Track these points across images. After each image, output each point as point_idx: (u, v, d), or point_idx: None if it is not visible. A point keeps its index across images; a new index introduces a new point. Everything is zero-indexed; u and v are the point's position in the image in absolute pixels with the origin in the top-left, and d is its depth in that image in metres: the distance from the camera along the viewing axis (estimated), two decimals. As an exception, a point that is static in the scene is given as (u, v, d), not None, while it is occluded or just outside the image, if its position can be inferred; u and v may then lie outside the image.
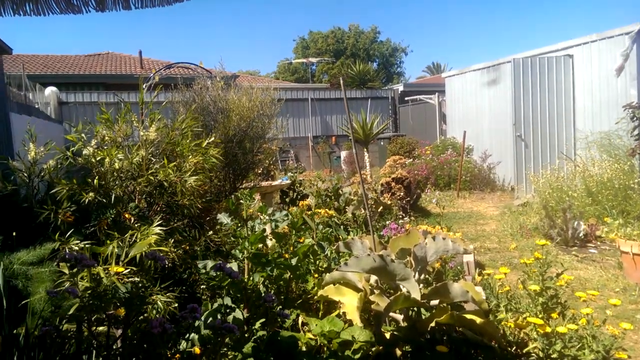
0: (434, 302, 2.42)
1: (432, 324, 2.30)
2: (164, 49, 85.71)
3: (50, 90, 14.27)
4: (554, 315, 2.48)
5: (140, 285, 2.82)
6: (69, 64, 18.90)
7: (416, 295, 2.27)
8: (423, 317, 2.56)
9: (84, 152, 2.80)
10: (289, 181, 6.48)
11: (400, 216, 7.00)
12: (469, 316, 2.22)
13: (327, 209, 6.01)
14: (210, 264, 2.70)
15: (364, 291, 2.55)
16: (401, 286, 2.38)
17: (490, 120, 9.79)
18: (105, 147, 3.06)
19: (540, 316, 2.63)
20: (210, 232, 3.11)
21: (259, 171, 7.74)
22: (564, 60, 8.19)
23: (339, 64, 30.05)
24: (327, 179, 13.35)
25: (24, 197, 2.87)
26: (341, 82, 2.70)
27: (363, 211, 6.33)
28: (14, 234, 2.70)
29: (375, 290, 2.45)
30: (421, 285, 2.74)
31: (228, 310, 2.60)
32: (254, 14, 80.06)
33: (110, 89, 16.56)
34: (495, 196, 9.12)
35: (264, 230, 2.90)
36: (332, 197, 6.34)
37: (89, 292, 1.99)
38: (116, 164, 2.95)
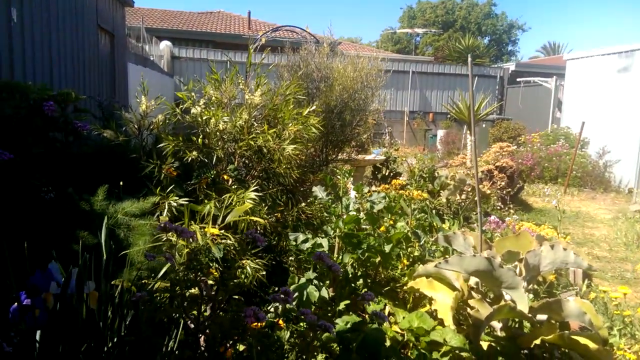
0: (541, 317, 2.16)
1: (537, 341, 2.06)
2: (271, 12, 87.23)
3: (164, 44, 15.07)
4: (686, 354, 2.12)
5: (232, 249, 2.85)
6: (183, 20, 19.81)
7: (523, 307, 2.04)
8: (526, 330, 2.32)
9: (192, 111, 2.83)
10: (382, 157, 6.28)
11: (499, 207, 6.55)
12: (582, 340, 1.95)
13: (420, 191, 5.76)
14: (301, 237, 2.64)
15: (460, 292, 2.35)
16: (505, 294, 2.15)
17: (614, 112, 8.74)
18: (212, 108, 3.08)
19: (666, 351, 2.27)
20: (303, 204, 3.05)
21: (354, 143, 7.62)
22: None
23: (446, 37, 28.58)
24: (421, 157, 12.94)
25: (133, 149, 2.98)
26: (468, 60, 2.44)
27: (458, 197, 5.99)
28: (121, 183, 2.81)
29: (474, 294, 2.24)
30: (530, 296, 2.49)
31: (315, 289, 2.54)
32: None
33: (219, 47, 17.13)
34: (609, 197, 8.23)
35: (359, 209, 2.78)
36: (427, 179, 6.05)
37: (187, 252, 2.01)
38: (220, 125, 2.96)
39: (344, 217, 2.49)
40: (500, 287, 2.09)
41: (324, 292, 2.55)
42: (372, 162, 6.22)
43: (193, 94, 2.86)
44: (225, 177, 3.04)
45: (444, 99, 16.94)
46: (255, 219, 2.31)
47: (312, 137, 3.09)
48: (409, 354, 2.20)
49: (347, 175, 2.61)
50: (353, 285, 2.73)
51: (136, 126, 3.06)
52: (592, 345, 1.95)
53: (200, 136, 2.90)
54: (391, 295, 2.77)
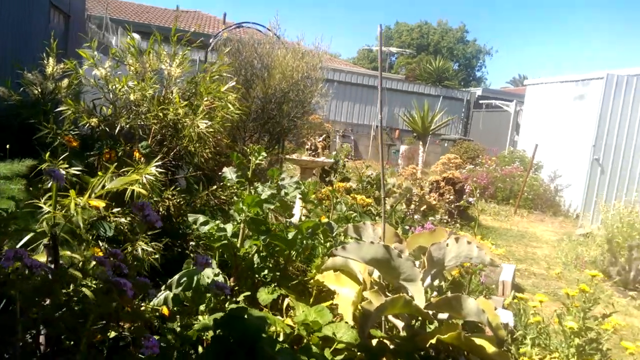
0: (443, 315, 2.00)
1: (433, 341, 1.89)
2: (251, 18, 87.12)
3: (133, 36, 14.66)
4: (590, 363, 1.99)
5: (126, 229, 2.60)
6: (157, 15, 19.46)
7: (420, 301, 1.87)
8: (428, 330, 2.15)
9: (93, 72, 2.59)
10: (332, 160, 6.12)
11: (445, 220, 6.48)
12: (478, 341, 1.79)
13: (365, 197, 5.62)
14: (201, 218, 2.42)
15: (363, 285, 2.17)
16: (406, 288, 1.98)
17: (568, 138, 8.88)
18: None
19: (572, 361, 2.14)
20: (215, 187, 2.83)
21: (308, 146, 7.45)
22: (668, 84, 7.19)
23: (419, 59, 29.03)
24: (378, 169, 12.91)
25: (31, 112, 2.71)
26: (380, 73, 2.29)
27: (404, 206, 5.88)
28: (8, 146, 2.54)
29: (374, 286, 2.07)
30: (434, 292, 2.33)
31: (210, 276, 2.31)
32: (343, -3, 79.40)
33: (190, 45, 16.79)
34: (557, 221, 8.30)
35: (273, 195, 2.58)
36: (374, 186, 5.93)
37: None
38: (131, 95, 2.73)
39: (247, 196, 2.28)
40: (399, 279, 1.92)
41: (220, 280, 2.33)
42: (320, 165, 6.05)
43: (97, 53, 2.62)
44: (136, 153, 2.80)
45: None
46: (140, 191, 2.08)
47: (237, 118, 2.89)
48: (297, 349, 2.00)
49: (256, 153, 2.41)
50: (258, 276, 2.52)
51: (39, 89, 2.80)
52: (489, 347, 1.79)
53: (109, 105, 2.67)
54: (299, 290, 2.57)
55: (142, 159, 2.82)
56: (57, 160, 2.54)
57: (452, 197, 6.37)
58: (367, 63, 35.03)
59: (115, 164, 2.83)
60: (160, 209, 2.70)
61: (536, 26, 71.76)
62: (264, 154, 2.51)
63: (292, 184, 2.49)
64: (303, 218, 5.59)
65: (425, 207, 5.87)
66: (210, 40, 8.48)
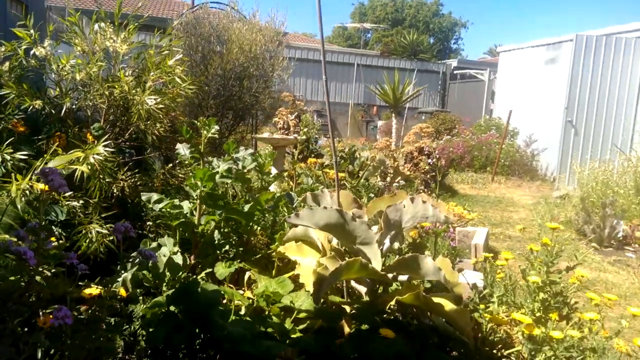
0: (403, 277, 1.97)
1: (392, 303, 1.86)
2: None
3: (97, 26, 14.26)
4: (553, 316, 1.98)
5: (79, 211, 2.50)
6: (126, 2, 18.88)
7: (376, 264, 1.83)
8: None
9: (32, 52, 2.46)
10: (304, 137, 6.04)
11: (422, 190, 6.47)
12: (436, 299, 1.76)
13: (340, 172, 5.57)
14: (155, 196, 2.33)
15: (322, 252, 2.13)
16: (363, 252, 1.93)
17: (541, 102, 8.91)
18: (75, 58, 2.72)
19: (537, 315, 2.13)
20: (170, 165, 2.74)
21: (280, 125, 7.35)
22: (636, 43, 7.21)
23: (394, 33, 28.83)
24: (360, 147, 12.84)
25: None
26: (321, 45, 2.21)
27: (378, 179, 5.85)
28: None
29: (332, 253, 2.02)
30: (396, 256, 2.29)
31: (166, 254, 2.25)
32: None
33: (150, 30, 16.40)
34: (534, 185, 8.37)
35: (230, 169, 2.50)
36: (347, 160, 5.87)
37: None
38: (77, 75, 2.61)
39: (198, 170, 2.20)
40: (355, 244, 1.88)
41: (178, 258, 2.26)
42: (292, 142, 5.95)
43: (33, 31, 2.48)
44: (89, 136, 2.69)
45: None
46: (83, 169, 1.99)
47: (188, 93, 2.78)
48: (254, 321, 1.95)
49: (207, 127, 2.32)
50: (219, 252, 2.46)
51: (-22, 74, 2.65)
52: (447, 305, 1.77)
53: (49, 85, 2.54)
54: (263, 263, 2.51)
55: (95, 141, 2.72)
56: (2, 146, 2.43)
57: (427, 167, 6.35)
58: (342, 41, 34.70)
59: (65, 147, 2.74)
60: (115, 190, 2.61)
61: (510, -5, 71.70)
62: (215, 127, 2.42)
63: (247, 155, 2.42)
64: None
65: (400, 178, 5.84)
66: (175, 22, 8.24)
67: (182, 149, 2.49)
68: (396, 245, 2.08)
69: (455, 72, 16.46)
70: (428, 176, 6.50)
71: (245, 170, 2.49)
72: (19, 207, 1.85)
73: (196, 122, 2.47)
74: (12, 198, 1.92)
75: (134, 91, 2.53)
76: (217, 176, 2.42)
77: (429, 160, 5.84)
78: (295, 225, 2.29)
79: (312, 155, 6.21)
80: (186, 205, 2.39)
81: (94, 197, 2.46)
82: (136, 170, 2.89)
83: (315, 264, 2.10)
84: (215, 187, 2.34)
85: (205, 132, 2.37)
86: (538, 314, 2.13)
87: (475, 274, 2.99)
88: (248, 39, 3.62)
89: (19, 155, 2.38)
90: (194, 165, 2.42)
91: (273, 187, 6.12)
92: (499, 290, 2.42)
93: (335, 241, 2.14)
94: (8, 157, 2.34)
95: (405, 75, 16.92)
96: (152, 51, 2.62)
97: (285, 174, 5.32)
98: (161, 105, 2.54)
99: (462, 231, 4.08)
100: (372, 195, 3.26)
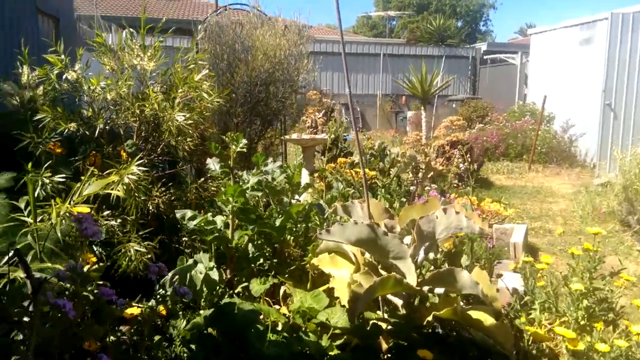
0: (439, 290, 1.93)
1: (430, 318, 1.83)
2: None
3: (126, 32, 14.56)
4: (599, 326, 1.90)
5: (117, 230, 2.57)
6: (150, 7, 19.24)
7: (411, 279, 1.80)
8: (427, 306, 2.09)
9: (64, 76, 2.52)
10: (333, 136, 6.01)
11: (455, 184, 6.35)
12: (475, 314, 1.72)
13: (369, 170, 5.52)
14: (189, 213, 2.37)
15: (357, 265, 2.11)
16: (397, 266, 1.91)
17: (578, 85, 8.56)
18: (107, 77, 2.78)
19: (581, 323, 2.06)
20: (203, 179, 2.77)
21: (308, 124, 7.34)
22: (680, 17, 6.82)
23: (420, 19, 28.27)
24: (390, 139, 12.71)
25: (12, 124, 2.67)
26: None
27: (410, 175, 5.77)
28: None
29: (366, 268, 2.00)
30: (431, 267, 2.26)
31: (202, 271, 2.28)
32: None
33: (186, 34, 16.63)
34: (574, 172, 8.08)
35: (260, 182, 2.50)
36: (377, 157, 5.82)
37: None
38: (108, 95, 2.66)
39: (229, 187, 2.22)
40: (388, 258, 1.85)
41: (214, 274, 2.29)
42: (320, 142, 5.94)
43: (64, 56, 2.55)
44: (123, 153, 2.75)
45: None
46: (118, 193, 2.03)
47: (215, 106, 2.80)
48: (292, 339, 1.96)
49: (235, 141, 2.33)
50: (253, 265, 2.47)
51: (17, 99, 2.75)
52: (486, 320, 1.72)
53: (85, 107, 2.61)
54: (297, 275, 2.52)
55: (129, 159, 2.78)
56: (41, 169, 2.51)
57: (460, 159, 6.21)
58: (367, 30, 34.30)
59: (101, 166, 2.82)
60: (150, 207, 2.66)
61: (541, -29, 69.06)
62: (244, 140, 2.43)
63: (277, 168, 2.41)
64: (309, 198, 5.55)
65: (432, 173, 5.74)
66: (199, 27, 8.33)
67: (212, 164, 2.52)
68: (431, 255, 2.04)
69: (485, 57, 16.01)
70: (462, 169, 6.37)
71: (274, 183, 2.50)
72: (59, 232, 1.91)
73: (225, 137, 2.49)
74: (53, 224, 1.98)
75: (163, 108, 2.57)
76: (248, 190, 2.43)
77: (460, 155, 5.72)
78: (328, 237, 2.28)
79: (342, 154, 6.19)
80: (219, 219, 2.42)
81: (131, 214, 2.52)
82: (170, 184, 2.95)
83: (349, 279, 2.09)
84: (247, 201, 2.35)
85: (234, 147, 2.38)
86: (582, 322, 2.06)
87: (515, 275, 2.91)
88: (272, 45, 3.62)
89: (57, 178, 2.45)
90: (224, 181, 2.44)
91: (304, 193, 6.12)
92: (540, 297, 2.35)
93: (368, 254, 2.12)
94: (47, 181, 2.41)
95: (434, 63, 16.60)
96: (179, 67, 2.65)
97: (316, 175, 5.32)
98: (190, 121, 2.57)
99: (499, 228, 3.98)
100: (404, 199, 3.21)
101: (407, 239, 2.10)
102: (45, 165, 2.58)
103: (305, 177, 6.01)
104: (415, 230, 1.90)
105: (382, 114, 16.53)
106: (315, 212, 2.58)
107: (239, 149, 2.42)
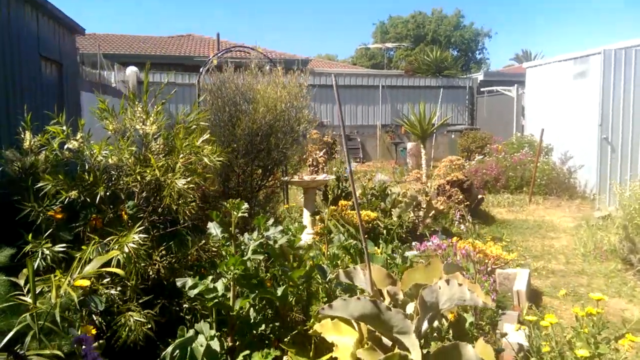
0: (444, 362, 1.91)
1: (435, 395, 1.80)
2: (242, 32, 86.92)
3: (130, 69, 14.81)
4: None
5: (118, 298, 2.56)
6: (153, 44, 19.62)
7: (415, 355, 1.78)
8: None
9: (66, 146, 2.56)
10: (333, 177, 6.04)
11: (457, 221, 6.35)
12: (481, 393, 1.70)
13: (371, 210, 5.52)
14: (189, 282, 2.36)
15: (360, 335, 2.10)
16: (401, 340, 1.89)
17: (573, 118, 8.65)
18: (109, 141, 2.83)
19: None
20: (203, 242, 2.78)
21: (309, 162, 7.39)
22: (671, 52, 6.94)
23: (417, 50, 28.77)
24: (391, 170, 12.76)
25: (13, 191, 2.70)
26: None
27: (412, 214, 5.77)
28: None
29: (369, 341, 1.98)
30: (435, 335, 2.24)
31: (203, 343, 2.26)
32: (335, -4, 79.16)
33: (188, 70, 16.92)
34: (574, 204, 8.08)
35: (262, 244, 2.51)
36: (379, 197, 5.84)
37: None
38: (110, 159, 2.70)
39: (230, 258, 2.22)
40: (392, 332, 1.84)
41: (215, 344, 2.27)
42: (322, 183, 5.98)
43: (66, 127, 2.59)
44: (124, 215, 2.77)
45: (415, 110, 16.91)
46: (116, 271, 2.03)
47: (218, 167, 2.83)
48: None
49: (236, 208, 2.35)
50: (255, 332, 2.46)
51: (18, 165, 2.79)
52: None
53: (85, 172, 2.64)
54: (300, 341, 2.49)
55: (130, 221, 2.80)
56: (42, 238, 2.52)
57: (460, 197, 6.23)
58: (365, 61, 34.87)
59: (102, 229, 2.82)
60: (150, 273, 2.66)
61: (533, 1, 70.59)
62: (245, 205, 2.45)
63: (278, 233, 2.42)
64: (310, 240, 5.52)
65: (433, 212, 5.75)
66: (201, 69, 8.48)
67: (214, 229, 2.52)
68: (435, 323, 2.03)
69: (482, 88, 16.23)
70: (462, 206, 6.37)
71: (276, 245, 2.50)
72: (58, 316, 1.91)
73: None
74: (53, 304, 1.98)
75: (164, 172, 2.59)
76: (249, 253, 2.44)
77: (459, 200, 5.73)
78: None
79: (343, 194, 6.20)
80: (220, 285, 2.41)
81: (132, 280, 2.52)
82: (170, 243, 2.95)
83: (353, 346, 2.07)
84: (247, 268, 2.35)
85: (235, 213, 2.39)
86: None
87: (518, 334, 2.88)
88: (273, 98, 3.68)
89: (57, 247, 2.46)
90: (225, 247, 2.44)
91: (305, 235, 6.08)
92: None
93: (371, 323, 2.11)
94: (47, 252, 2.42)
95: (431, 94, 16.85)
96: (182, 127, 2.69)
97: (317, 217, 5.32)
98: (192, 185, 2.59)
99: (502, 273, 3.97)
100: (405, 255, 3.19)
101: (410, 306, 2.09)
102: (46, 232, 2.60)
103: (306, 218, 6.02)
104: (419, 301, 1.89)
105: (382, 144, 16.66)
106: (316, 274, 2.57)
107: (240, 215, 2.44)
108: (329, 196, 6.11)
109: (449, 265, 2.29)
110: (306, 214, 5.94)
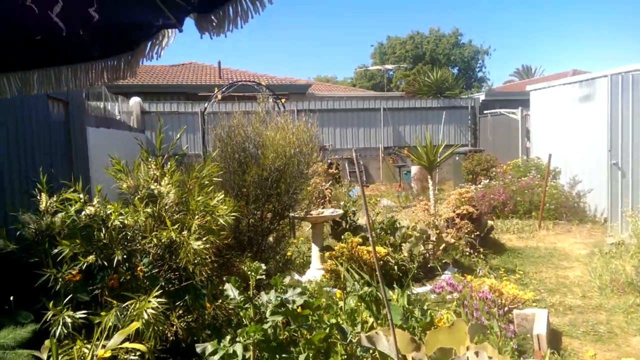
0: None
1: None
2: (242, 58, 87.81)
3: (133, 100, 14.96)
4: None
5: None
6: (155, 74, 19.83)
7: None
8: None
9: (83, 213, 2.56)
10: (341, 212, 6.02)
11: (467, 253, 6.29)
12: None
13: (381, 245, 5.48)
14: (210, 348, 2.33)
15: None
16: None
17: (580, 141, 8.64)
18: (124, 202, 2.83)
19: None
20: (219, 301, 2.75)
21: (316, 195, 7.37)
22: (676, 75, 6.96)
23: (416, 71, 28.99)
24: (395, 194, 12.72)
25: (30, 254, 2.69)
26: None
27: (422, 248, 5.73)
28: (12, 298, 2.52)
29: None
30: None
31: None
32: (332, 17, 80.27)
33: (190, 98, 17.07)
34: (585, 229, 8.01)
35: (281, 304, 2.48)
36: (388, 231, 5.80)
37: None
38: (126, 220, 2.70)
39: (251, 324, 2.19)
40: (421, 409, 1.80)
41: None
42: (329, 218, 5.96)
43: (82, 194, 2.59)
44: (139, 271, 2.75)
45: (417, 132, 16.97)
46: (138, 347, 2.00)
47: (230, 221, 2.82)
48: None
49: (254, 272, 2.33)
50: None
51: (34, 228, 2.78)
52: None
53: (101, 235, 2.63)
54: (321, 402, 2.44)
55: (146, 281, 2.78)
56: (62, 304, 2.50)
57: (469, 228, 6.18)
58: (365, 82, 35.14)
59: (119, 287, 2.80)
60: (168, 334, 2.63)
61: (531, 16, 71.48)
62: (263, 266, 2.42)
63: (296, 296, 2.39)
64: (319, 277, 5.46)
65: (443, 245, 5.71)
66: (206, 105, 8.55)
67: (231, 291, 2.49)
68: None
69: (485, 111, 16.30)
70: (472, 235, 6.33)
71: (295, 306, 2.47)
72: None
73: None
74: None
75: (179, 234, 2.58)
76: (268, 315, 2.41)
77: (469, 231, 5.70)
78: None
79: (350, 228, 6.16)
80: (239, 349, 2.36)
81: (150, 342, 2.49)
82: (185, 298, 2.92)
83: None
84: (267, 333, 2.32)
85: (253, 275, 2.37)
86: None
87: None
88: (282, 144, 3.69)
89: (78, 314, 2.44)
90: (243, 309, 2.41)
91: (314, 261, 6.00)
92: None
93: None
94: (69, 320, 2.41)
95: (433, 115, 16.92)
96: (196, 193, 2.68)
97: (327, 254, 5.28)
98: (207, 244, 2.58)
99: (520, 314, 3.90)
100: (417, 294, 3.14)
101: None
102: (65, 297, 2.58)
103: (315, 253, 5.99)
104: (446, 376, 1.85)
105: (385, 166, 16.69)
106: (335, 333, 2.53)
107: (258, 276, 2.41)
108: (338, 231, 6.08)
109: (473, 327, 2.25)
110: (315, 249, 5.90)
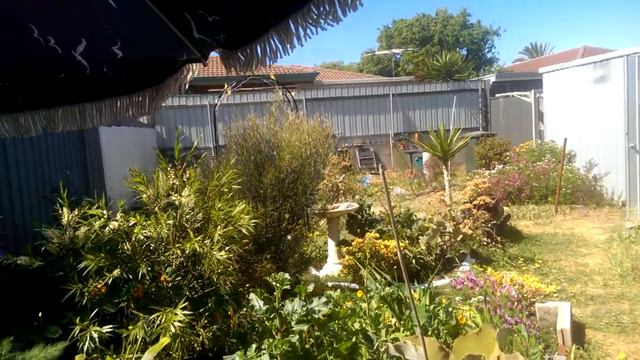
0: None
1: None
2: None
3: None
4: None
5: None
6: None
7: None
8: None
9: (107, 228, 2.57)
10: (356, 205, 6.00)
11: (485, 242, 6.26)
12: None
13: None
14: (238, 359, 2.35)
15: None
16: None
17: (596, 123, 8.50)
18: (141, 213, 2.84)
19: None
20: (244, 310, 2.77)
21: (329, 187, 7.36)
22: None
23: (423, 52, 28.60)
24: (407, 181, 12.66)
25: (55, 269, 2.72)
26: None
27: (439, 239, 5.70)
28: (40, 314, 2.55)
29: None
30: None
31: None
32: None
33: (198, 91, 17.04)
34: (602, 213, 7.92)
35: (307, 313, 2.48)
36: (404, 224, 5.78)
37: None
38: (148, 232, 2.71)
39: (277, 334, 2.20)
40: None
41: None
42: (345, 212, 5.95)
43: (105, 210, 2.60)
44: (163, 280, 2.77)
45: (428, 117, 16.83)
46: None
47: (251, 229, 2.81)
48: None
49: (280, 284, 2.33)
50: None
51: (57, 243, 2.80)
52: None
53: (124, 249, 2.65)
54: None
55: (170, 290, 2.80)
56: (88, 318, 2.54)
57: (486, 217, 6.14)
58: (372, 66, 34.78)
59: (144, 297, 2.82)
60: (195, 345, 2.66)
61: (538, -10, 69.87)
62: (287, 276, 2.43)
63: (321, 306, 2.39)
64: (336, 272, 5.46)
65: (460, 236, 5.68)
66: (216, 101, 8.54)
67: (256, 301, 2.50)
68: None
69: (496, 94, 16.06)
70: (489, 224, 6.29)
71: (320, 315, 2.48)
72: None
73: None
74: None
75: (202, 245, 2.59)
76: (293, 323, 2.42)
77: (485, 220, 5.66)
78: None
79: (366, 223, 6.15)
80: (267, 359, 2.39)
81: (177, 353, 2.52)
82: (209, 304, 2.94)
83: None
84: (293, 344, 2.33)
85: (279, 287, 2.37)
86: None
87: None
88: (298, 146, 3.67)
89: (105, 328, 2.47)
90: (269, 320, 2.42)
91: (331, 255, 5.99)
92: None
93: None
94: (95, 335, 2.43)
95: (443, 99, 16.73)
96: (217, 202, 2.68)
97: (344, 249, 5.28)
98: (230, 254, 2.59)
99: (542, 307, 3.88)
100: (452, 314, 3.12)
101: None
102: (92, 311, 2.61)
103: (331, 247, 6.00)
104: (478, 387, 1.85)
105: (395, 153, 16.58)
106: (363, 342, 2.53)
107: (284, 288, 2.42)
108: (353, 224, 6.07)
109: (502, 332, 2.24)
110: (331, 244, 5.91)
